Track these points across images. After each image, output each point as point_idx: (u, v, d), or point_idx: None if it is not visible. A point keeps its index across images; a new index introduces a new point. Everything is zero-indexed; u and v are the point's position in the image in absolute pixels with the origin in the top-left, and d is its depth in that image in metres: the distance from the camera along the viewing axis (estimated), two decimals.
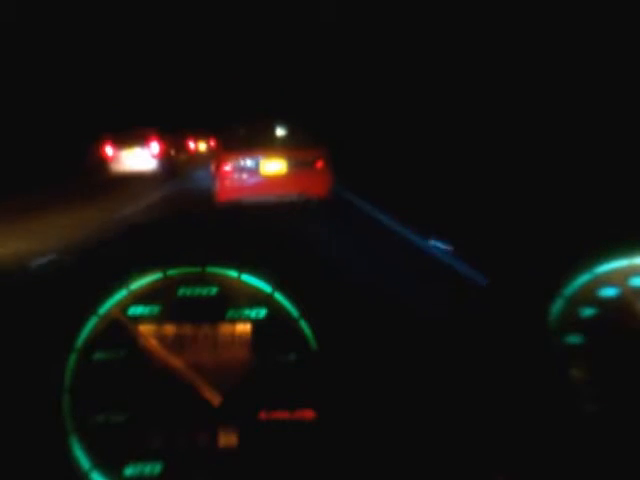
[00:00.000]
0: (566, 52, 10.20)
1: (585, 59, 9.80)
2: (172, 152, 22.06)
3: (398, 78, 16.76)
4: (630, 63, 8.83)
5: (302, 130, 10.41)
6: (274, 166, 9.27)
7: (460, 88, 13.36)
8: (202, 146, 29.12)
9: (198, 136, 29.39)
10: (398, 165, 12.29)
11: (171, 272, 1.05)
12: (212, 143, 22.97)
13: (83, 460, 0.99)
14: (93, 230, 9.02)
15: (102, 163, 19.73)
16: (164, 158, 19.96)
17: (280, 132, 10.33)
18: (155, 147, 19.88)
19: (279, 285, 1.04)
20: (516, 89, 11.26)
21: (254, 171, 9.26)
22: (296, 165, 9.29)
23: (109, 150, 19.58)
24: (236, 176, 9.39)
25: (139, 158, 19.50)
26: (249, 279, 1.05)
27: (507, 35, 11.81)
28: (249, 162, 9.32)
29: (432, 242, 7.26)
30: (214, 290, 1.05)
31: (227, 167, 9.46)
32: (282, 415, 1.00)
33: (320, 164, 9.37)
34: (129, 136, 19.71)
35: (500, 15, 12.24)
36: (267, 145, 9.58)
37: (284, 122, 10.78)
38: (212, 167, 10.42)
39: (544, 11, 10.83)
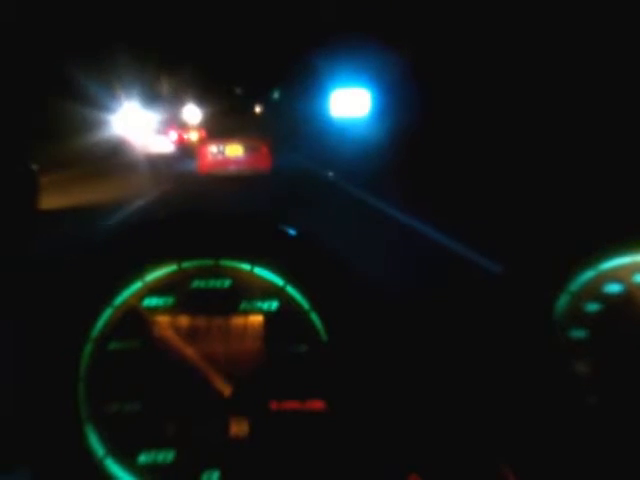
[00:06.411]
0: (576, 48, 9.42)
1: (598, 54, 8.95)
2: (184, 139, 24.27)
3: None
4: None
5: (254, 127, 14.75)
6: (234, 150, 12.76)
7: (457, 84, 12.50)
8: (194, 135, 26.78)
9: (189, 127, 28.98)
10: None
11: (186, 265, 0.97)
12: (202, 133, 23.53)
13: (98, 447, 0.92)
14: (153, 184, 12.00)
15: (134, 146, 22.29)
16: (178, 144, 23.13)
17: (239, 128, 13.96)
18: (173, 136, 23.26)
19: (291, 278, 0.96)
20: (519, 84, 10.52)
21: (222, 153, 12.76)
22: (248, 150, 12.75)
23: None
24: (211, 157, 12.80)
25: (162, 144, 23.00)
26: (262, 272, 0.97)
27: (503, 33, 11.00)
28: (219, 147, 12.81)
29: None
30: (227, 283, 0.97)
31: (205, 150, 12.90)
32: (292, 405, 0.93)
33: (264, 150, 12.77)
34: (155, 127, 23.19)
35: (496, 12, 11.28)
36: (230, 136, 13.04)
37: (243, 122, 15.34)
38: (196, 151, 13.88)
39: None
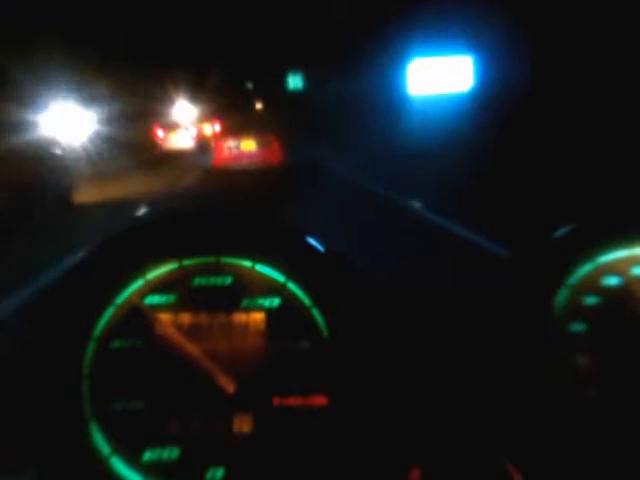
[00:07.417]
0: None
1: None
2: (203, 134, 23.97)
3: None
4: None
5: (264, 124, 15.48)
6: (248, 145, 13.35)
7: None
8: (207, 129, 25.98)
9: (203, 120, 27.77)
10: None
11: (187, 262, 0.96)
12: (217, 126, 24.20)
13: (103, 446, 0.91)
14: (188, 175, 13.66)
15: (154, 142, 22.41)
16: (199, 139, 22.74)
17: (252, 125, 14.84)
18: (193, 131, 22.91)
19: (292, 274, 0.95)
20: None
21: (236, 147, 13.33)
22: (260, 145, 13.29)
23: (160, 133, 22.59)
24: (227, 151, 13.41)
25: (182, 139, 22.59)
26: (263, 269, 0.96)
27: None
28: (234, 142, 13.42)
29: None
30: (229, 280, 0.96)
31: (221, 145, 13.51)
32: (295, 401, 0.92)
33: (274, 145, 13.31)
34: (174, 122, 23.37)
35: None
36: (244, 132, 13.81)
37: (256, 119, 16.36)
38: (212, 145, 14.59)
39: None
